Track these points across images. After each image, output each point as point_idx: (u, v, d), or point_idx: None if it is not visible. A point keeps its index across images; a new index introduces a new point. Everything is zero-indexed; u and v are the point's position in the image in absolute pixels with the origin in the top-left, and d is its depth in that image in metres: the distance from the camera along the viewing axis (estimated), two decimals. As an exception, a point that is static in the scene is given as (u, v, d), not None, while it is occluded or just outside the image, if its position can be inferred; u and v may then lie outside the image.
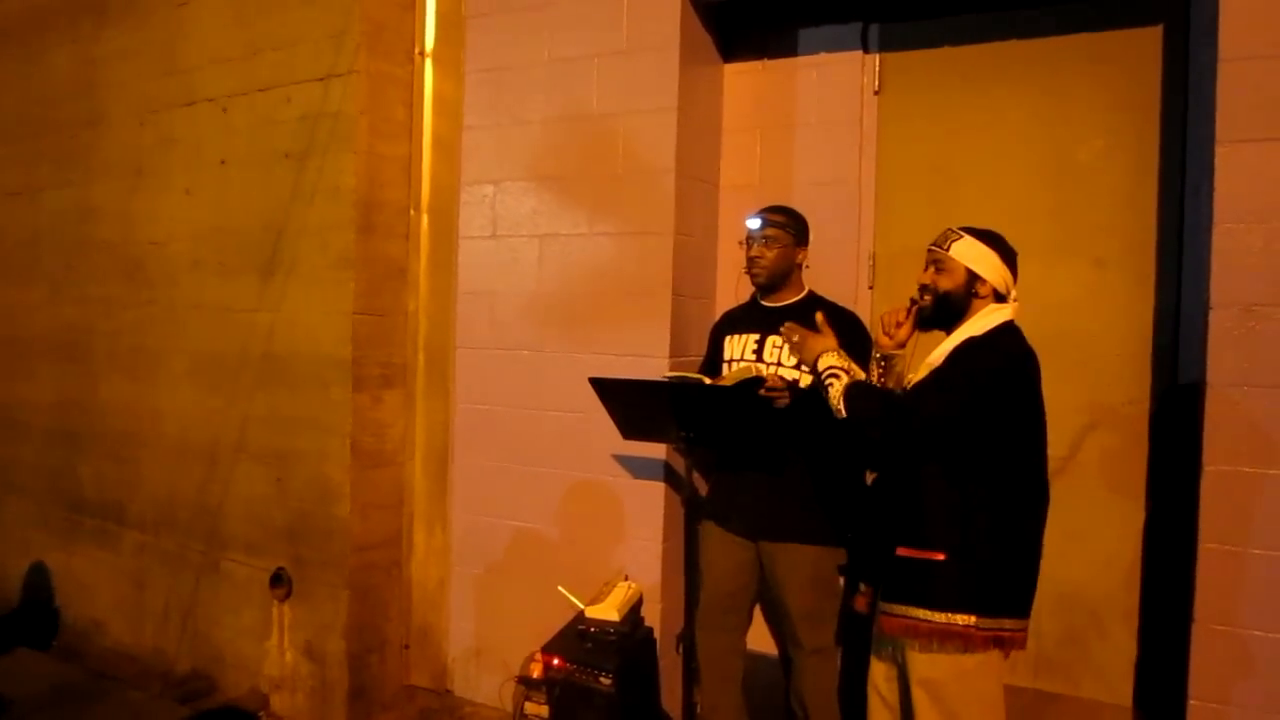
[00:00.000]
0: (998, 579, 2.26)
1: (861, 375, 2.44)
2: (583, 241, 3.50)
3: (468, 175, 3.76)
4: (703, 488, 3.39)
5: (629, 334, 3.38)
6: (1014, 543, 2.28)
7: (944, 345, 2.35)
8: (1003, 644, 2.26)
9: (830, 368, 2.40)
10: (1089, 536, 3.07)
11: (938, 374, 2.29)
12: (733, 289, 3.36)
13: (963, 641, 2.24)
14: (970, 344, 2.29)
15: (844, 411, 2.30)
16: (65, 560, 4.89)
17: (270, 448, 3.91)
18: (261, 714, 3.89)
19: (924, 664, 2.30)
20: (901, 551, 2.32)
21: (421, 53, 3.89)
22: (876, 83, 3.42)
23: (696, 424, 2.85)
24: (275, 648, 3.90)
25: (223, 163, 4.07)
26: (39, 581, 5.01)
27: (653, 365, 3.29)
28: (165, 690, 4.09)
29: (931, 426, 2.21)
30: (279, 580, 3.84)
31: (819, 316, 2.62)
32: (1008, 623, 2.25)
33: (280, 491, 3.87)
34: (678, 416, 2.85)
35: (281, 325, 3.86)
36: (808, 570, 2.92)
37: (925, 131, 3.38)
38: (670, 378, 2.86)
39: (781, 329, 2.63)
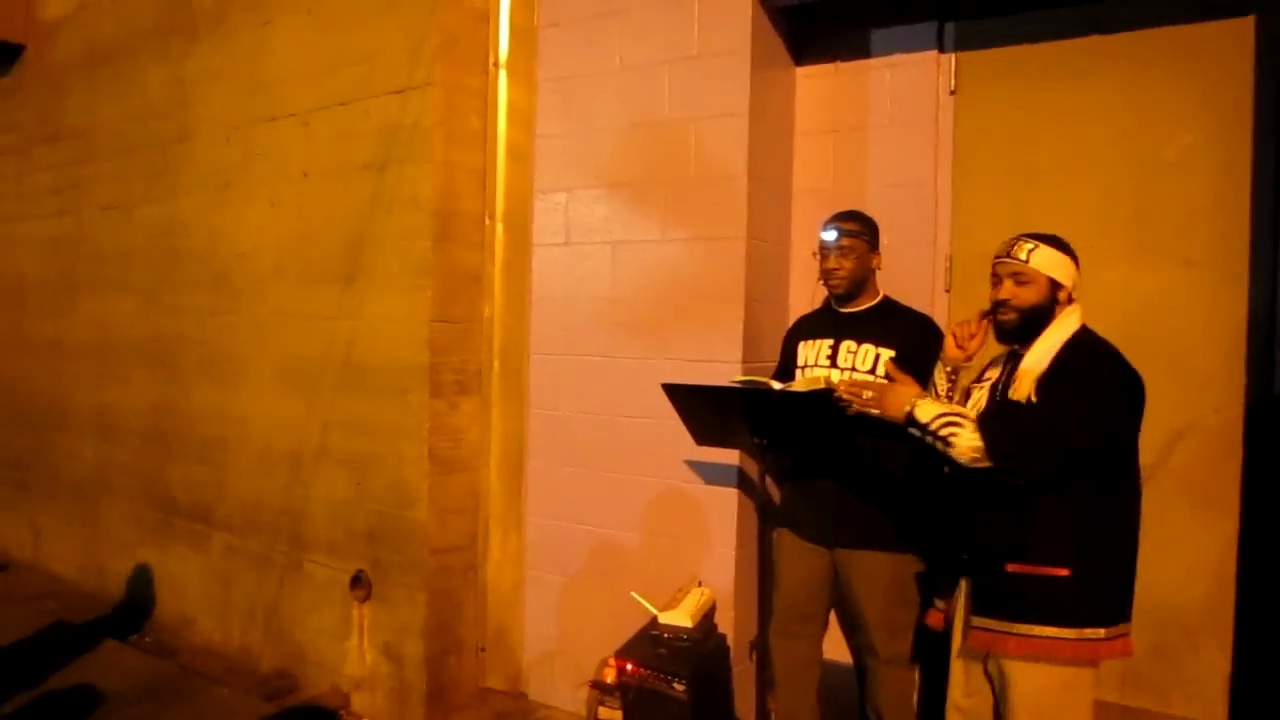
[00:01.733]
0: (1116, 590, 2.23)
1: (971, 413, 2.26)
2: (655, 247, 3.51)
3: (541, 183, 3.81)
4: (777, 493, 3.36)
5: (701, 339, 3.38)
6: (1126, 552, 2.25)
7: (1037, 354, 2.27)
8: (1114, 654, 2.22)
9: (941, 417, 2.23)
10: (1177, 547, 2.96)
11: (1063, 395, 2.17)
12: (807, 294, 3.34)
13: (1073, 655, 2.20)
14: (1083, 357, 2.22)
15: (986, 460, 2.14)
16: (158, 559, 5.07)
17: (350, 452, 4.00)
18: (342, 713, 3.97)
19: (1029, 678, 2.24)
20: (1014, 568, 2.24)
21: (495, 63, 3.94)
22: (952, 82, 3.37)
23: (769, 429, 2.84)
24: (355, 648, 3.98)
25: (305, 175, 4.19)
26: (139, 580, 5.21)
27: (725, 371, 3.28)
28: (251, 687, 4.21)
29: (1079, 458, 2.15)
30: (359, 582, 3.93)
31: (887, 365, 2.58)
32: (1123, 627, 2.24)
33: (360, 495, 3.96)
34: (750, 422, 2.84)
35: (361, 332, 3.95)
36: (884, 578, 2.88)
37: (1003, 131, 3.31)
38: (741, 382, 2.85)
39: (844, 391, 2.55)
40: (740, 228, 3.33)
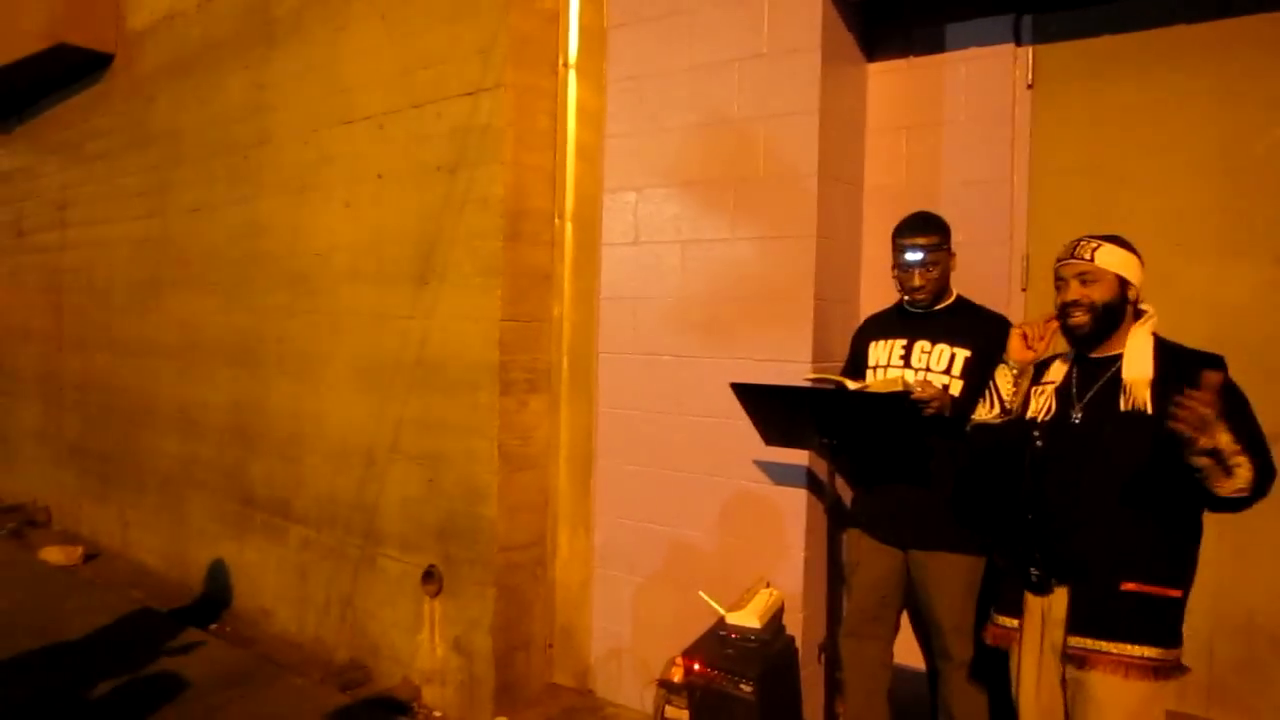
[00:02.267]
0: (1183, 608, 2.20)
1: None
2: (724, 246, 3.50)
3: (610, 183, 3.83)
4: (847, 494, 3.33)
5: (771, 338, 3.36)
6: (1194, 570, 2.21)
7: (1136, 361, 2.19)
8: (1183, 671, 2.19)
9: (1232, 452, 1.97)
10: (1265, 559, 2.85)
11: (1241, 416, 2.02)
12: (879, 293, 3.29)
13: (1164, 673, 2.15)
14: (1196, 360, 2.13)
15: (1249, 492, 1.98)
16: (238, 551, 5.22)
17: (422, 449, 4.07)
18: (414, 705, 4.04)
19: (1118, 694, 2.17)
20: (1130, 587, 2.17)
21: (565, 64, 3.97)
22: (1030, 76, 3.29)
23: (840, 430, 2.81)
24: (426, 642, 4.05)
25: (379, 177, 4.27)
26: (218, 571, 5.37)
27: (795, 370, 3.26)
28: (326, 678, 4.31)
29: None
30: (430, 577, 3.99)
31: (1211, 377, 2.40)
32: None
33: (431, 491, 4.03)
34: (820, 422, 2.81)
35: (433, 331, 4.01)
36: (959, 580, 2.83)
37: (1082, 126, 3.22)
38: (811, 380, 2.83)
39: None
40: (810, 226, 3.30)
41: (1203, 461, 1.94)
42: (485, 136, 3.81)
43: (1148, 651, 2.14)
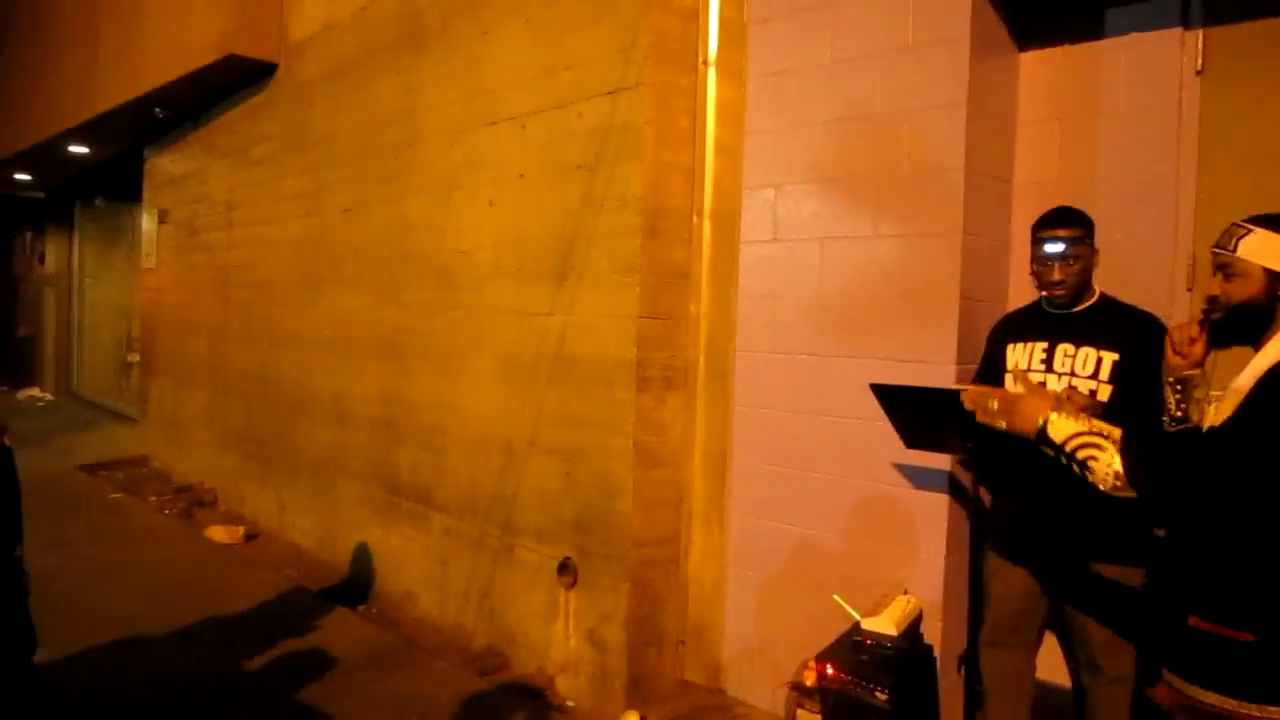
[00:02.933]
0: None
1: (1116, 432, 1.93)
2: (865, 244, 3.43)
3: (749, 180, 3.80)
4: (990, 501, 3.21)
5: (913, 339, 3.28)
6: None
7: (1251, 367, 1.93)
8: None
9: (1077, 436, 1.91)
10: None
11: (1258, 425, 1.83)
12: (1026, 292, 3.16)
13: None
14: None
15: (1128, 490, 1.85)
16: (384, 536, 5.45)
17: (560, 443, 4.15)
18: (548, 693, 4.13)
19: None
20: (1197, 623, 1.94)
21: (705, 61, 3.97)
22: (1199, 62, 3.09)
23: (985, 437, 2.69)
24: (561, 632, 4.13)
25: (522, 176, 4.37)
26: (364, 554, 5.62)
27: (937, 372, 3.17)
28: (464, 662, 4.45)
29: (1262, 506, 1.82)
30: (566, 569, 4.07)
31: (1019, 374, 2.29)
32: None
33: (568, 485, 4.10)
34: (964, 427, 2.71)
35: (572, 328, 4.08)
36: (1109, 595, 2.69)
37: (1257, 114, 3.00)
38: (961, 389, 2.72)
39: (966, 397, 2.28)
40: (956, 223, 3.20)
41: (1045, 451, 1.95)
42: (625, 135, 3.84)
43: (1208, 697, 1.91)
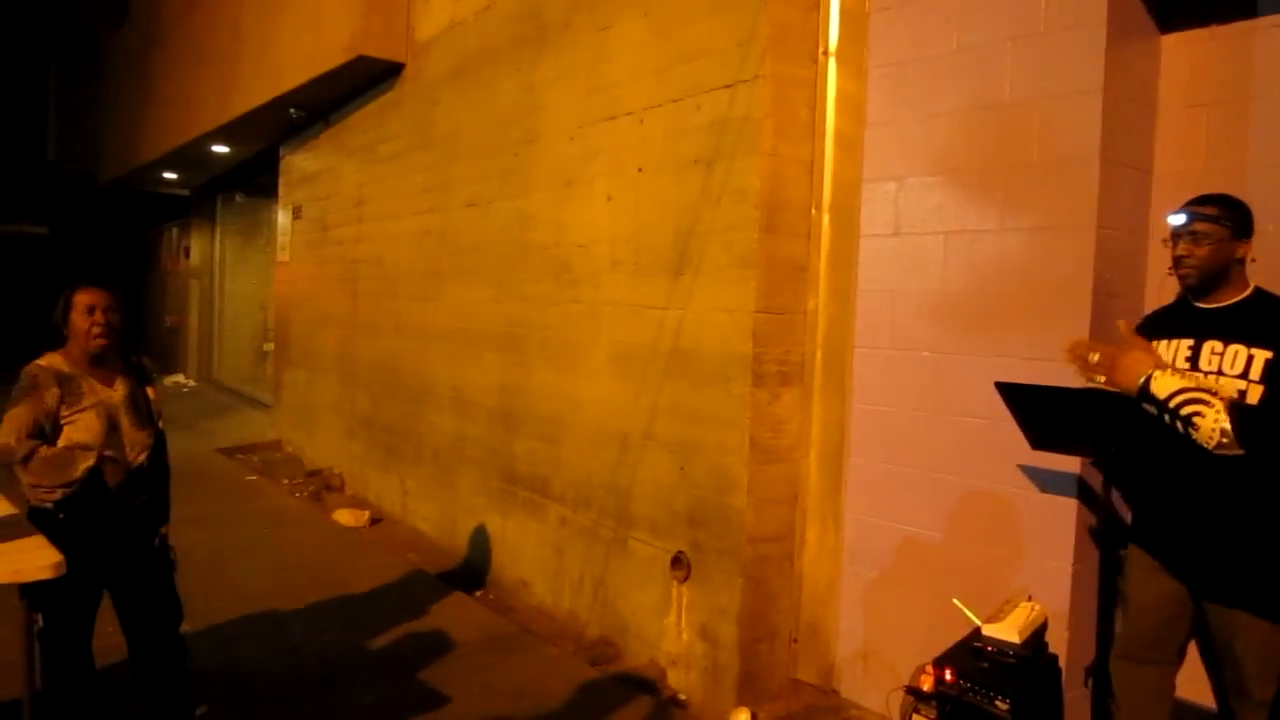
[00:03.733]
0: None
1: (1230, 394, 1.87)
2: (991, 237, 3.32)
3: (870, 172, 3.73)
4: (1123, 506, 3.06)
5: (1041, 336, 3.15)
6: None
7: None
8: None
9: (1182, 393, 1.87)
10: None
11: None
12: (1167, 289, 3.00)
13: None
14: None
15: (1236, 447, 1.80)
16: (501, 524, 5.57)
17: (674, 437, 4.15)
18: (659, 686, 4.14)
19: None
20: None
21: (825, 52, 3.90)
22: (1366, 41, 2.87)
23: (1124, 440, 2.56)
24: (673, 625, 4.14)
25: (639, 170, 4.39)
26: (483, 542, 5.76)
27: (1067, 371, 3.03)
28: (577, 651, 4.51)
29: None
30: (679, 562, 4.07)
31: (1121, 325, 2.13)
32: None
33: (682, 479, 4.10)
34: (1100, 430, 2.59)
35: (688, 322, 4.08)
36: (1265, 623, 2.52)
37: None
38: (1095, 386, 2.59)
39: (1069, 348, 2.13)
40: (1089, 216, 3.06)
41: (1148, 409, 1.89)
42: (743, 128, 3.82)
43: None
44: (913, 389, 3.55)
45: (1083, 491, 3.09)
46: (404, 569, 5.74)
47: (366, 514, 6.96)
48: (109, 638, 3.37)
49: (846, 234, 3.84)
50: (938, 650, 2.98)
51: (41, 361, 3.15)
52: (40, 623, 2.90)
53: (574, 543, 4.86)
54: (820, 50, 3.91)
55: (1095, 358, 2.08)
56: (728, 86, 3.89)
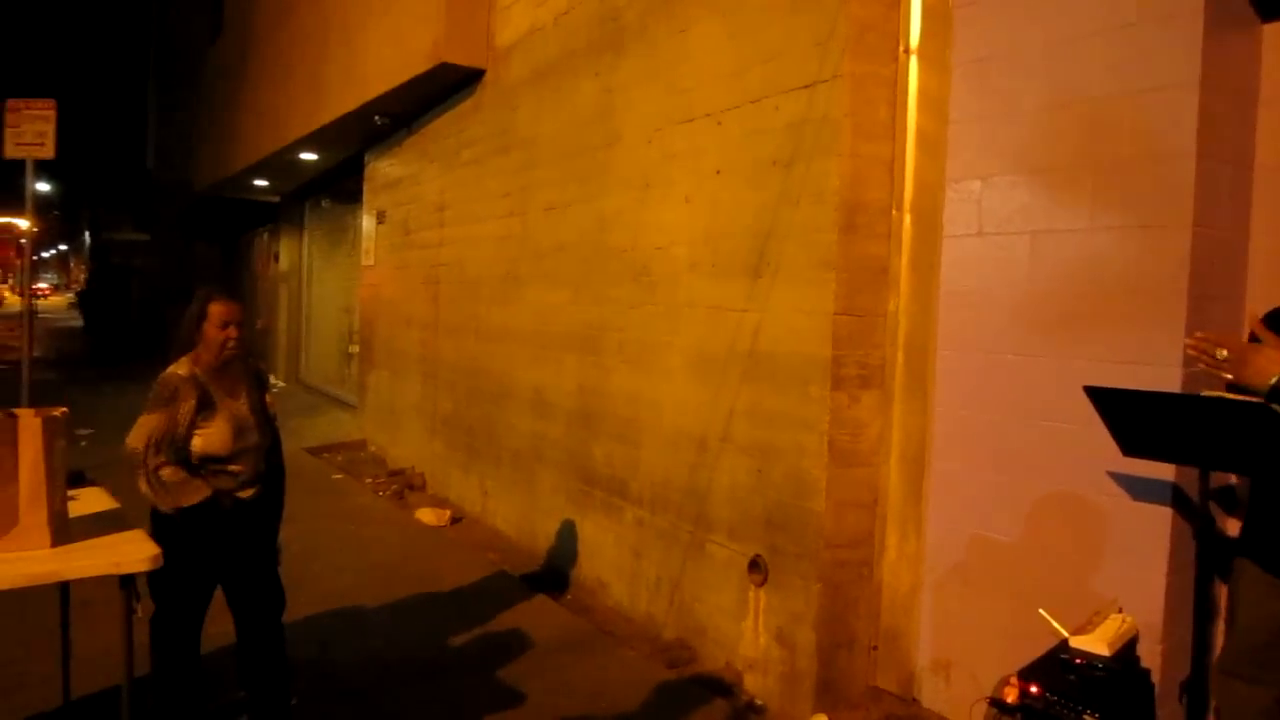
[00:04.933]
0: None
1: None
2: (1080, 237, 3.22)
3: (953, 171, 3.65)
4: (1222, 516, 2.94)
5: (1133, 339, 3.04)
6: None
7: None
8: None
9: None
10: None
11: None
12: (1270, 289, 2.87)
13: None
14: None
15: None
16: (579, 525, 5.61)
17: (752, 440, 4.13)
18: (736, 690, 4.12)
19: None
20: None
21: (906, 50, 3.84)
22: None
23: (1241, 447, 2.43)
24: (750, 630, 4.11)
25: (717, 172, 4.38)
26: (561, 542, 5.80)
27: (1160, 375, 2.93)
28: (653, 653, 4.52)
29: None
30: (756, 566, 4.05)
31: (1254, 323, 1.99)
32: None
33: (760, 482, 4.08)
34: (1201, 437, 2.48)
35: (766, 324, 4.06)
36: None
37: None
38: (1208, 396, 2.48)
39: (1192, 342, 1.97)
40: (1184, 214, 2.94)
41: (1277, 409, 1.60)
42: (822, 128, 3.78)
43: None
44: (997, 392, 3.47)
45: (1177, 499, 2.98)
46: (484, 568, 5.83)
47: (448, 513, 7.08)
48: (206, 627, 3.50)
49: (928, 234, 3.78)
50: (1022, 661, 2.90)
51: (181, 371, 3.29)
52: (139, 611, 3.03)
53: (651, 545, 4.87)
54: (901, 48, 3.85)
55: (1223, 354, 1.97)
56: (807, 86, 3.86)
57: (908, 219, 3.85)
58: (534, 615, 5.00)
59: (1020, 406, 3.39)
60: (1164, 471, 2.97)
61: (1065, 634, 2.87)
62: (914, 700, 3.82)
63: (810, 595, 3.80)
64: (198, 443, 3.27)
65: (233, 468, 3.34)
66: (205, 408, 3.28)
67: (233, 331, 3.30)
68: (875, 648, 3.96)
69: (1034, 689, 2.77)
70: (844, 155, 3.71)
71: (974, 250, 3.56)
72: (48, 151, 8.57)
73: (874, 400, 3.86)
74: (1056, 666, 2.82)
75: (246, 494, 3.40)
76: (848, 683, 3.90)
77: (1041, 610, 3.01)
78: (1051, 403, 3.26)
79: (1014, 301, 3.42)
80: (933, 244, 3.74)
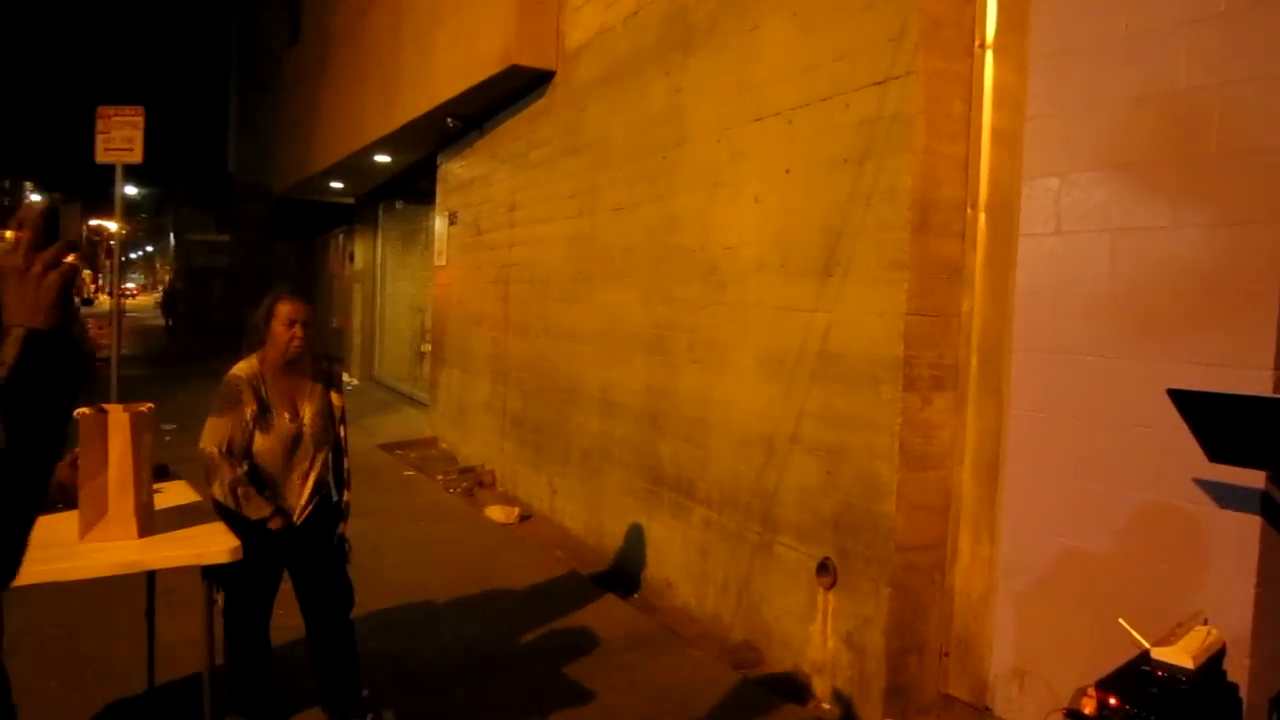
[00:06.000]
0: None
1: None
2: (1164, 235, 3.12)
3: (1030, 169, 3.57)
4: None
5: (1220, 341, 2.94)
6: None
7: None
8: None
9: None
10: None
11: None
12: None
13: None
14: None
15: None
16: (646, 525, 5.62)
17: (821, 441, 4.09)
18: (803, 694, 4.09)
19: None
20: None
21: (981, 45, 3.76)
22: None
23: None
24: (818, 633, 4.07)
25: (787, 171, 4.35)
26: (629, 542, 5.82)
27: (1250, 378, 2.82)
28: (720, 654, 4.50)
29: None
30: (825, 569, 4.01)
31: None
32: None
33: (829, 483, 4.04)
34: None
35: (836, 324, 4.01)
36: None
37: None
38: None
39: None
40: (1277, 209, 2.83)
41: None
42: (894, 126, 3.73)
43: None
44: (1075, 395, 3.38)
45: (1267, 508, 2.86)
46: (552, 566, 5.88)
47: (516, 510, 7.15)
48: (280, 619, 3.60)
49: (1004, 233, 3.69)
50: (1099, 672, 2.81)
51: (242, 372, 3.41)
52: (220, 602, 3.13)
53: (719, 545, 4.86)
54: (976, 43, 3.77)
55: None
56: (879, 83, 3.81)
57: (982, 217, 3.77)
58: (601, 614, 5.02)
59: (1100, 410, 3.30)
60: (1253, 479, 2.86)
61: (1146, 645, 2.78)
62: (987, 709, 3.74)
63: (880, 599, 3.75)
64: (257, 445, 3.38)
65: (285, 485, 3.44)
66: (265, 414, 3.38)
67: (298, 330, 3.39)
68: (947, 654, 3.89)
69: (1113, 701, 2.69)
70: (917, 153, 3.65)
71: (1051, 249, 3.48)
72: (136, 156, 8.90)
73: (947, 402, 3.79)
74: (1137, 678, 2.73)
75: (302, 515, 3.49)
76: (918, 689, 3.83)
77: (1121, 620, 2.92)
78: (1133, 406, 3.16)
79: (1094, 302, 3.32)
80: (1008, 243, 3.66)
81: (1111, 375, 3.26)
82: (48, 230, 1.20)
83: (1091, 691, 2.80)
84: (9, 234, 1.18)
